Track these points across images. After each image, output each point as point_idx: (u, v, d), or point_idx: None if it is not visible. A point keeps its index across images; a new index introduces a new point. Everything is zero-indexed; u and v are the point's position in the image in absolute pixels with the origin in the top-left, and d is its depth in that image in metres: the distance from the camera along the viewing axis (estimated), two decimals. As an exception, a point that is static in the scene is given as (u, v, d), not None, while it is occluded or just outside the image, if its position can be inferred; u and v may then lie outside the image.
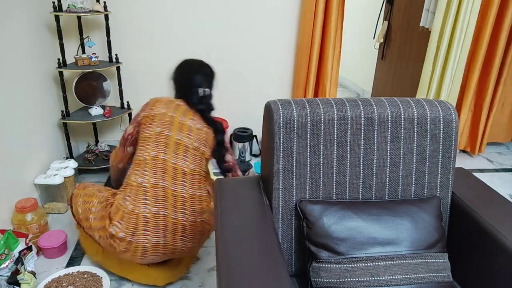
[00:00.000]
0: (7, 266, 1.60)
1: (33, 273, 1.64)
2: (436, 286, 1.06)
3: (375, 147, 1.16)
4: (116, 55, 2.50)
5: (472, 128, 3.01)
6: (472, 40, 2.70)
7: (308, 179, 1.15)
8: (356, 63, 4.67)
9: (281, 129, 1.11)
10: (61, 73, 2.33)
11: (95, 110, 2.50)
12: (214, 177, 1.89)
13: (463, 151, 3.11)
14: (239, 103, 2.85)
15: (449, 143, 1.18)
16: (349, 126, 1.14)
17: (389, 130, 1.16)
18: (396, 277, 1.04)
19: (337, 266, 1.04)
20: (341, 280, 1.03)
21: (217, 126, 1.74)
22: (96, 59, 2.41)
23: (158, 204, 1.52)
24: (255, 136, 2.87)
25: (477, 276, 1.13)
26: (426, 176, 1.19)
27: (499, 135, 3.15)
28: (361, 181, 1.18)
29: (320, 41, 2.63)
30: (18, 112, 2.04)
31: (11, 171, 1.95)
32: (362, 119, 1.14)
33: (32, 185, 2.13)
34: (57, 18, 2.24)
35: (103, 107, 2.54)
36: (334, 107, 1.14)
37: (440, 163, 1.19)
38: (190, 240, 1.58)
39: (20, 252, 1.65)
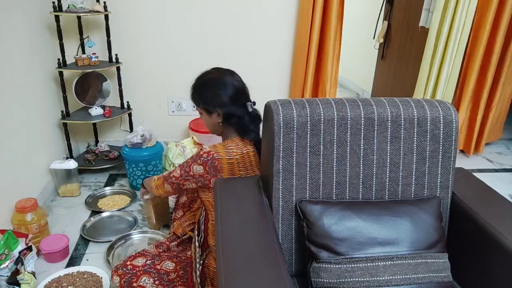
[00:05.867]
0: (7, 266, 1.60)
1: (33, 273, 1.64)
2: (436, 286, 1.06)
3: (375, 147, 1.16)
4: (116, 55, 2.50)
5: (470, 128, 3.00)
6: (470, 40, 2.70)
7: (308, 179, 1.15)
8: (356, 63, 4.67)
9: (281, 129, 1.11)
10: (61, 73, 2.33)
11: (95, 110, 2.50)
12: None
13: (463, 151, 3.11)
14: (239, 103, 2.85)
15: (449, 143, 1.18)
16: (349, 126, 1.14)
17: (389, 130, 1.16)
18: (396, 277, 1.04)
19: (337, 266, 1.04)
20: (341, 280, 1.03)
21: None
22: (96, 59, 2.41)
23: None
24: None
25: (477, 276, 1.13)
26: (426, 176, 1.19)
27: (493, 135, 3.16)
28: (361, 181, 1.18)
29: (318, 41, 2.63)
30: (18, 112, 2.03)
31: (11, 171, 1.95)
32: (362, 119, 1.14)
33: (32, 185, 2.13)
34: (57, 18, 2.24)
35: (103, 107, 2.54)
36: (334, 107, 1.14)
37: (440, 163, 1.19)
38: None
39: (20, 252, 1.65)
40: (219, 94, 1.43)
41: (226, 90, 1.43)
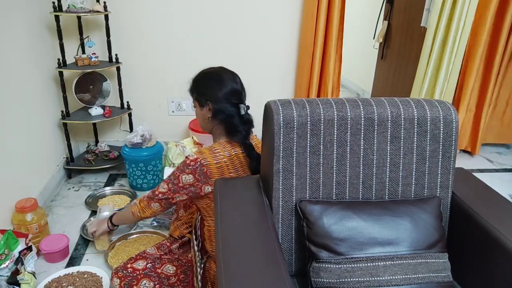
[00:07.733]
0: (7, 266, 1.60)
1: (33, 273, 1.64)
2: (436, 286, 1.06)
3: (375, 147, 1.16)
4: (116, 55, 2.50)
5: (472, 128, 3.00)
6: (469, 40, 2.69)
7: (308, 179, 1.15)
8: (356, 63, 4.67)
9: (281, 129, 1.11)
10: (61, 73, 2.33)
11: (95, 110, 2.50)
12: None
13: (464, 151, 3.11)
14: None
15: (449, 143, 1.18)
16: (349, 126, 1.14)
17: (389, 130, 1.16)
18: (396, 277, 1.04)
19: (337, 266, 1.04)
20: (341, 280, 1.03)
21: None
22: (96, 59, 2.41)
23: None
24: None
25: (477, 276, 1.13)
26: (426, 176, 1.19)
27: (493, 137, 3.15)
28: (361, 181, 1.18)
29: (323, 41, 2.62)
30: (18, 112, 2.03)
31: (11, 171, 1.95)
32: (362, 119, 1.14)
33: (32, 185, 2.13)
34: (57, 18, 2.24)
35: (103, 107, 2.54)
36: (334, 107, 1.14)
37: (440, 163, 1.19)
38: None
39: (20, 252, 1.65)
40: (213, 88, 1.39)
41: (222, 86, 1.39)
